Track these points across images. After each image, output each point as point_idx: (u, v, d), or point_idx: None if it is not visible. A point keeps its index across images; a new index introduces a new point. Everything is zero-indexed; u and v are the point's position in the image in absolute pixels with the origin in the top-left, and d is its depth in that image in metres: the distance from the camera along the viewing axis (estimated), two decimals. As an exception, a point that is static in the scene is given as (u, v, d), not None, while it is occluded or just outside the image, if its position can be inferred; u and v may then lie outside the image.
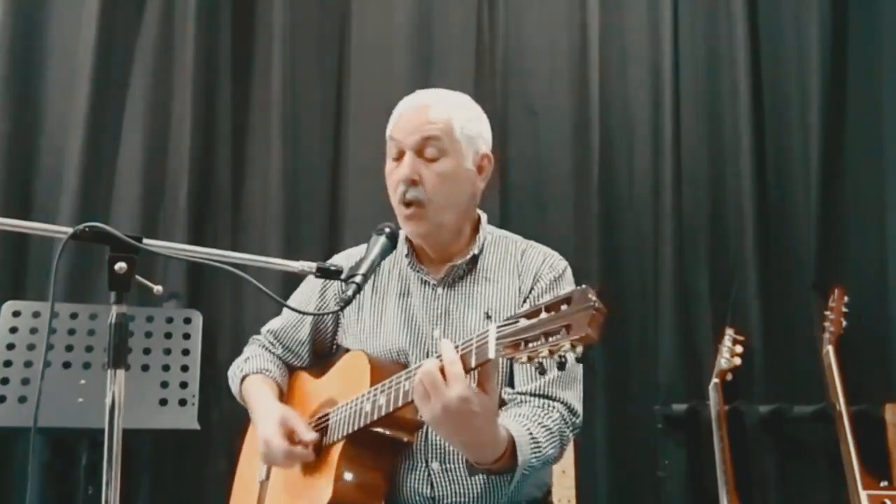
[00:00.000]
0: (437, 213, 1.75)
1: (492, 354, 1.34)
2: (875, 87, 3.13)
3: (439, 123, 1.75)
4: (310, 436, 1.70)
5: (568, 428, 1.67)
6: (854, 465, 2.59)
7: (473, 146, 1.80)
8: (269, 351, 1.99)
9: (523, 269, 1.80)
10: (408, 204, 1.73)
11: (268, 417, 1.75)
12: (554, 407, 1.67)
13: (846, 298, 2.85)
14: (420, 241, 1.82)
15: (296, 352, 1.97)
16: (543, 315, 1.26)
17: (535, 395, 1.68)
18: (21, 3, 2.91)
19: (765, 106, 3.15)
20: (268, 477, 1.86)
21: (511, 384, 1.73)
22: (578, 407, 1.71)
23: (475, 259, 1.80)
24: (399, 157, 1.76)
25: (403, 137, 1.75)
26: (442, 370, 1.41)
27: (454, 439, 1.51)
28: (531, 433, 1.58)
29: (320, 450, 1.72)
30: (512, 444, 1.52)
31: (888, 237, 3.06)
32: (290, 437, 1.70)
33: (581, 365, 1.71)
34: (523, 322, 1.29)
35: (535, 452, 1.56)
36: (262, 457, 1.76)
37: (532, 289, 1.77)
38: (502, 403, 1.71)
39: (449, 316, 1.77)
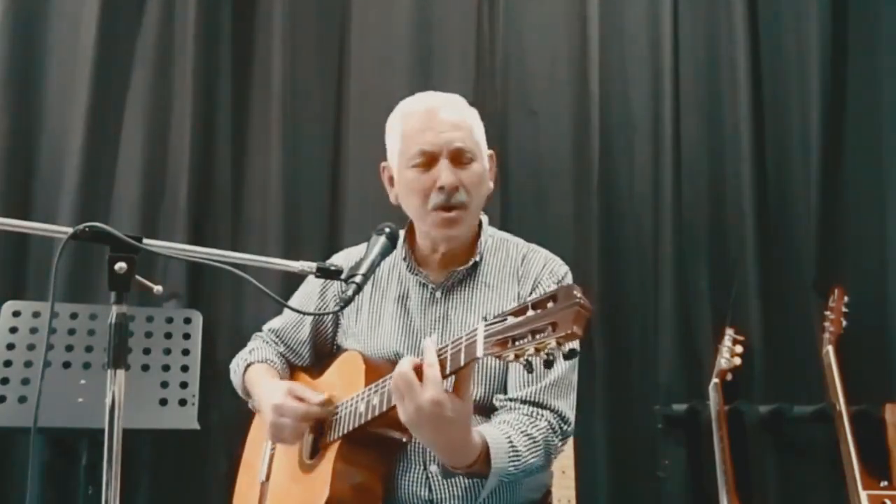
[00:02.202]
0: (472, 215, 1.77)
1: (480, 353, 1.33)
2: (875, 87, 3.12)
3: (464, 129, 1.75)
4: (320, 397, 1.71)
5: (556, 437, 1.66)
6: (854, 465, 2.59)
7: (485, 147, 1.82)
8: (272, 346, 1.99)
9: (523, 275, 1.79)
10: (451, 208, 1.72)
11: (276, 389, 1.75)
12: (542, 415, 1.65)
13: (846, 298, 2.84)
14: (444, 245, 1.79)
15: (297, 351, 1.97)
16: (530, 312, 1.26)
17: (525, 402, 1.67)
18: (21, 3, 2.91)
19: (765, 106, 3.15)
20: (267, 478, 1.86)
21: (504, 391, 1.72)
22: (570, 415, 1.70)
23: (475, 264, 1.80)
24: (428, 164, 1.73)
25: (436, 146, 1.72)
26: (420, 371, 1.42)
27: (426, 441, 1.51)
28: (511, 441, 1.56)
29: (318, 450, 1.72)
30: (486, 450, 1.51)
31: (888, 237, 3.05)
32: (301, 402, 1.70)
33: (576, 372, 1.71)
34: (511, 320, 1.29)
35: (513, 460, 1.55)
36: (270, 430, 1.73)
37: (531, 294, 1.75)
38: (493, 409, 1.70)
39: (448, 320, 1.77)
